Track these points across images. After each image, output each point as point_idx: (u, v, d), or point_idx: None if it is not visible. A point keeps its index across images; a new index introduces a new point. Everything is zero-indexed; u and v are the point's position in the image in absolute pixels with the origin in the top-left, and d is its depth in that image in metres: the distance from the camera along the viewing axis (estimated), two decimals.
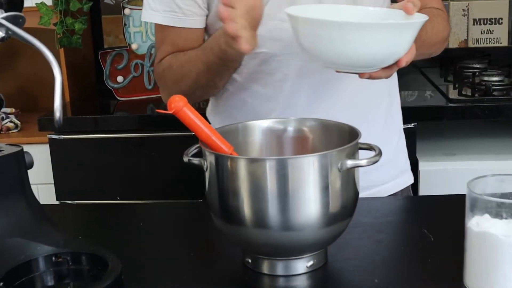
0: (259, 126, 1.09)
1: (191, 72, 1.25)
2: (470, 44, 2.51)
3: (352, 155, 0.94)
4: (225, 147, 0.97)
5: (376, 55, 1.00)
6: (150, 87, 2.30)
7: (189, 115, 0.96)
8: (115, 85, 2.28)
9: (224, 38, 1.11)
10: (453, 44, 2.51)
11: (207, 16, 1.32)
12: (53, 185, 2.09)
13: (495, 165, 1.91)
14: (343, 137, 1.02)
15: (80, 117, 2.05)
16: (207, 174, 0.96)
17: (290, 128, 1.09)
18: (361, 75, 1.06)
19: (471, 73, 2.20)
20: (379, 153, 0.96)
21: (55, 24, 2.20)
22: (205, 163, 0.95)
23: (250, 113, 1.33)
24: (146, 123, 2.00)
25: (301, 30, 1.01)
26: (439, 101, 2.03)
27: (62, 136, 2.03)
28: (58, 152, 2.04)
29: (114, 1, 2.53)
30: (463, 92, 2.08)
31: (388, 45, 0.99)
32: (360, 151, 0.97)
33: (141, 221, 1.23)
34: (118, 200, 2.06)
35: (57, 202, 2.09)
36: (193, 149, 1.01)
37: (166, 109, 0.95)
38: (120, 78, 2.27)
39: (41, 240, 0.96)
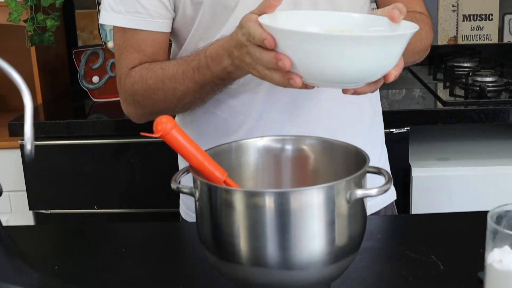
0: (254, 145, 0.99)
1: (176, 90, 1.14)
2: (460, 41, 2.45)
3: (361, 183, 0.84)
4: (218, 173, 0.87)
5: (362, 70, 0.89)
6: None
7: (179, 139, 0.86)
8: (91, 86, 2.16)
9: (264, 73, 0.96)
10: (442, 40, 2.45)
11: (173, 20, 1.21)
12: (25, 192, 1.97)
13: (492, 170, 1.85)
14: (349, 159, 0.93)
15: (53, 121, 1.93)
16: (198, 204, 0.86)
17: (289, 147, 0.99)
18: (344, 90, 0.96)
19: (462, 73, 2.14)
20: (389, 180, 0.86)
21: (25, 21, 2.07)
22: (197, 192, 0.85)
23: (219, 126, 1.24)
24: (124, 128, 1.89)
25: (278, 42, 0.90)
26: (432, 103, 1.96)
27: (34, 142, 1.91)
28: None
29: None
30: (456, 93, 2.02)
31: (376, 59, 0.88)
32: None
33: (123, 245, 1.12)
34: (95, 209, 1.95)
35: (30, 212, 1.98)
36: (182, 173, 0.91)
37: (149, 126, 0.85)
38: (95, 79, 2.15)
39: (13, 281, 0.85)
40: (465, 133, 2.03)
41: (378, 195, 0.83)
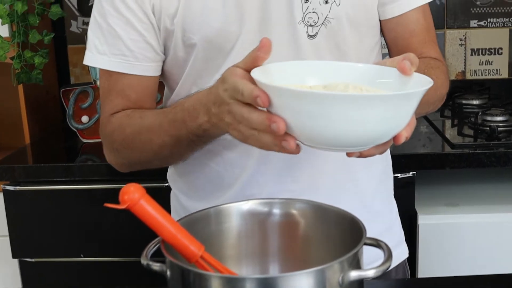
0: (237, 210, 0.89)
1: (152, 142, 1.05)
2: (468, 76, 2.35)
3: (356, 261, 0.73)
4: (194, 247, 0.77)
5: (370, 132, 0.79)
6: None
7: (148, 209, 0.76)
8: (80, 126, 2.06)
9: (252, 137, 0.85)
10: (450, 76, 2.33)
11: (164, 61, 1.13)
12: (8, 238, 1.86)
13: (506, 217, 1.74)
14: (344, 228, 0.83)
15: (39, 165, 1.83)
16: (170, 285, 0.75)
17: (276, 211, 0.89)
18: (348, 154, 0.85)
19: (470, 111, 2.04)
20: (389, 256, 0.76)
21: (12, 58, 1.98)
22: (168, 272, 0.75)
23: (213, 179, 1.15)
24: (113, 172, 1.78)
25: (272, 100, 0.79)
26: (439, 145, 1.84)
27: (18, 187, 1.81)
28: (14, 205, 1.82)
29: (81, 30, 2.32)
30: (464, 132, 1.91)
31: (385, 121, 0.78)
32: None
33: None
34: (81, 257, 1.84)
35: (14, 260, 1.87)
36: (153, 246, 0.81)
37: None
38: (85, 118, 2.05)
39: None
40: (476, 176, 1.91)
41: (376, 276, 0.72)
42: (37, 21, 1.99)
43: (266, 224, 0.88)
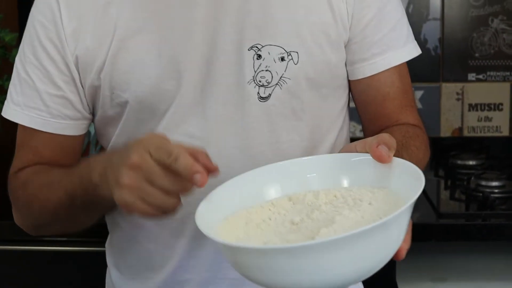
0: None
1: (49, 202, 0.95)
2: (465, 133, 2.21)
3: None
4: None
5: (358, 270, 0.67)
6: None
7: None
8: None
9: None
10: (446, 132, 2.22)
11: (93, 120, 1.04)
12: None
13: None
14: None
15: None
16: None
17: None
18: None
19: (466, 172, 1.90)
20: None
21: None
22: None
23: (144, 258, 1.05)
24: None
25: (235, 260, 0.70)
26: (426, 213, 1.68)
27: None
28: None
29: None
30: (456, 197, 1.77)
31: (375, 252, 0.67)
32: None
33: None
34: None
35: None
36: None
37: None
38: None
39: None
40: (467, 247, 1.74)
41: None
42: None
43: None
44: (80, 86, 0.99)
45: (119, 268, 1.10)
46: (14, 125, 1.04)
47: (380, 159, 0.75)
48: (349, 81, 1.05)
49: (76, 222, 0.99)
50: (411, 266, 1.69)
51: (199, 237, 0.98)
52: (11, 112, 1.02)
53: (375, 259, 0.67)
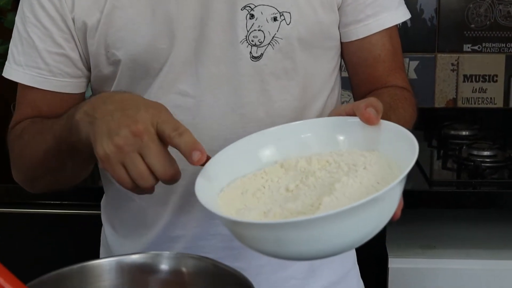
0: (113, 266, 0.74)
1: (39, 147, 0.95)
2: (460, 104, 2.20)
3: None
4: None
5: (362, 234, 0.68)
6: None
7: None
8: None
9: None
10: (440, 103, 2.20)
11: (89, 77, 1.05)
12: None
13: (487, 264, 1.60)
14: None
15: None
16: None
17: (164, 267, 0.75)
18: None
19: (458, 142, 1.90)
20: None
21: None
22: None
23: (138, 215, 1.07)
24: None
25: (237, 233, 0.70)
26: (417, 181, 1.68)
27: None
28: None
29: None
30: (448, 166, 1.78)
31: (378, 216, 0.68)
32: None
33: None
34: None
35: None
36: None
37: None
38: None
39: None
40: (456, 215, 1.76)
41: None
42: None
43: (147, 282, 0.73)
44: (79, 44, 1.00)
45: (114, 226, 1.11)
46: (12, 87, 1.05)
47: (368, 121, 0.75)
48: (341, 43, 1.05)
49: (66, 172, 0.99)
50: (401, 234, 1.71)
51: (190, 194, 0.96)
52: (12, 72, 1.03)
53: (378, 222, 0.68)
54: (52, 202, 1.70)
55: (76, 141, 0.84)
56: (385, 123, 0.76)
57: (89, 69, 1.03)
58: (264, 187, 0.75)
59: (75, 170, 0.98)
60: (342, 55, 1.08)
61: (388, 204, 0.68)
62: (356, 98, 1.08)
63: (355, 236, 0.67)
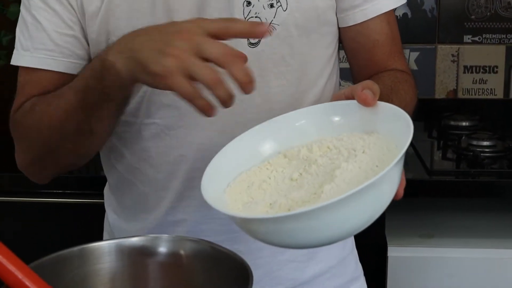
0: (112, 248, 0.74)
1: (58, 110, 0.91)
2: (460, 95, 2.20)
3: None
4: None
5: (365, 219, 0.69)
6: None
7: None
8: None
9: None
10: (440, 94, 2.20)
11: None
12: None
13: (484, 253, 1.60)
14: (232, 273, 0.70)
15: None
16: None
17: (163, 250, 0.75)
18: None
19: (458, 133, 1.89)
20: None
21: None
22: None
23: (140, 200, 1.07)
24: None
25: (245, 228, 0.71)
26: (416, 170, 1.69)
27: None
28: None
29: None
30: (448, 157, 1.78)
31: (380, 198, 0.69)
32: None
33: None
34: None
35: None
36: None
37: None
38: None
39: None
40: (455, 205, 1.76)
41: None
42: None
43: (147, 265, 0.74)
44: (83, 27, 0.99)
45: (116, 211, 1.12)
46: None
47: (365, 102, 0.76)
48: (339, 29, 1.06)
49: (84, 135, 0.94)
50: (400, 222, 1.71)
51: (191, 178, 1.00)
52: (20, 58, 1.01)
53: (380, 204, 0.69)
54: (55, 191, 1.71)
55: (110, 85, 0.81)
56: (381, 104, 0.77)
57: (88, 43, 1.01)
58: (269, 178, 0.76)
59: (96, 129, 0.93)
60: (341, 41, 1.08)
61: (387, 186, 0.68)
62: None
63: (357, 220, 0.67)
